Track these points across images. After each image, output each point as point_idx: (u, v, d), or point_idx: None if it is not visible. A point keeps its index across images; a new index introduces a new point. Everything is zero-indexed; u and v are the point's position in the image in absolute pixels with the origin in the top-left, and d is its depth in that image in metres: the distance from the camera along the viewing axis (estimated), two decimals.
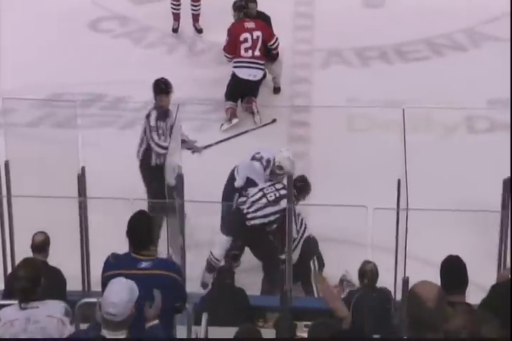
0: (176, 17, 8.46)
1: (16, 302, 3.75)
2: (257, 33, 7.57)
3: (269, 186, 6.15)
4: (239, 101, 7.65)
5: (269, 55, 7.70)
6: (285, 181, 6.04)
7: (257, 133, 7.47)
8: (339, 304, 3.65)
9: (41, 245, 5.10)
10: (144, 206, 4.72)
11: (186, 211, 5.53)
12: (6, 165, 5.41)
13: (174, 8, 8.43)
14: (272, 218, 6.01)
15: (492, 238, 5.43)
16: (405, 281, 4.53)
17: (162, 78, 6.56)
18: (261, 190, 6.13)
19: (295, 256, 5.76)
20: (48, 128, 7.43)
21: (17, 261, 4.49)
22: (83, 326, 3.95)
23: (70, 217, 5.43)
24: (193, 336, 4.52)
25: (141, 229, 4.01)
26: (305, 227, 6.08)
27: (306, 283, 5.98)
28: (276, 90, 7.91)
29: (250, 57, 7.52)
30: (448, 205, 5.92)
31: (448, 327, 3.23)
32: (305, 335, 4.65)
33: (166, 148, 6.29)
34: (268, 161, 6.25)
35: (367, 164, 6.80)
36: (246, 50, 7.53)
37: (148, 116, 6.47)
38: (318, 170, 6.72)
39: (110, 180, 6.52)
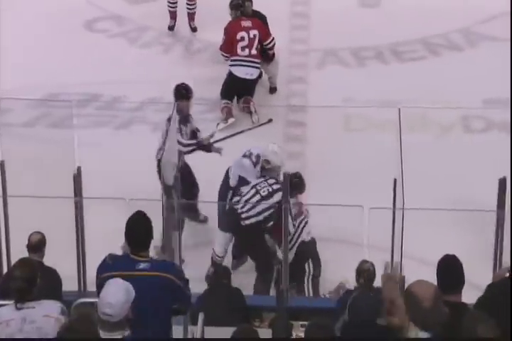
0: (173, 15, 8.46)
1: (12, 302, 3.74)
2: (254, 32, 7.57)
3: (262, 182, 6.15)
4: (234, 101, 7.66)
5: (265, 55, 7.70)
6: (281, 177, 6.05)
7: (253, 133, 7.46)
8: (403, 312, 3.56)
9: (37, 245, 5.09)
10: (140, 206, 4.70)
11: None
12: (2, 165, 5.40)
13: (170, 6, 8.43)
14: (266, 214, 6.00)
15: (488, 237, 5.44)
16: (401, 280, 4.53)
17: (183, 83, 6.62)
18: (253, 186, 6.13)
19: (290, 255, 5.76)
20: (43, 128, 7.42)
21: (13, 261, 4.48)
22: None
23: (66, 217, 5.43)
24: (190, 336, 4.52)
25: (139, 230, 4.00)
26: (303, 227, 6.06)
27: (299, 284, 5.98)
28: (273, 90, 7.91)
29: (247, 56, 7.52)
30: (444, 205, 5.93)
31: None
32: (302, 335, 4.65)
33: (190, 145, 6.38)
34: (257, 157, 6.25)
35: (363, 164, 6.80)
36: (243, 48, 7.53)
37: (169, 119, 6.49)
38: (314, 169, 6.72)
39: (106, 179, 6.52)
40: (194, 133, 6.53)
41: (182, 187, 6.09)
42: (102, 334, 3.32)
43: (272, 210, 5.97)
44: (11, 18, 8.30)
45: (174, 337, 4.23)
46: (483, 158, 6.79)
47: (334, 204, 5.54)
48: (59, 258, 5.16)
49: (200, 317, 4.61)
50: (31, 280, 3.72)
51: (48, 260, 5.09)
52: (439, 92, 7.54)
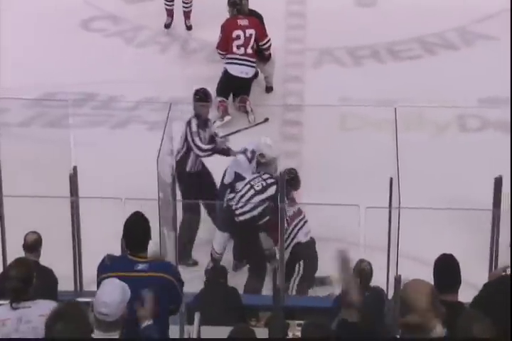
0: (169, 13, 8.47)
1: (8, 302, 3.74)
2: (250, 31, 7.57)
3: (256, 177, 6.15)
4: (230, 99, 7.65)
5: (261, 55, 7.70)
6: (278, 170, 6.07)
7: (249, 132, 7.46)
8: (355, 288, 3.59)
9: (33, 245, 5.09)
10: (137, 205, 4.71)
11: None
12: None
13: (167, 5, 8.44)
14: (260, 209, 6.00)
15: (484, 236, 5.44)
16: (397, 279, 4.54)
17: (202, 88, 6.65)
18: (248, 182, 6.14)
19: (286, 255, 5.75)
20: (39, 128, 7.41)
21: (9, 261, 4.47)
22: None
23: (62, 217, 5.42)
24: (186, 335, 4.52)
25: (137, 231, 4.01)
26: (299, 228, 6.04)
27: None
28: (269, 89, 7.91)
29: (242, 55, 7.52)
30: (440, 204, 5.93)
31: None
32: (298, 334, 4.65)
33: (207, 151, 6.38)
34: (252, 152, 6.27)
35: (359, 163, 6.80)
36: (238, 47, 7.53)
37: (188, 123, 6.50)
38: (310, 168, 6.72)
39: (102, 179, 6.51)
40: (212, 138, 6.51)
41: (202, 189, 6.17)
42: (98, 334, 3.32)
43: (266, 204, 5.97)
44: (8, 18, 8.28)
45: (170, 336, 4.23)
46: (479, 157, 6.80)
47: (330, 203, 5.54)
48: (55, 257, 5.16)
49: (197, 316, 4.62)
50: (27, 280, 3.72)
51: (44, 260, 5.08)
52: (435, 91, 7.55)
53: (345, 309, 3.59)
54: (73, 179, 5.30)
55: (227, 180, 6.25)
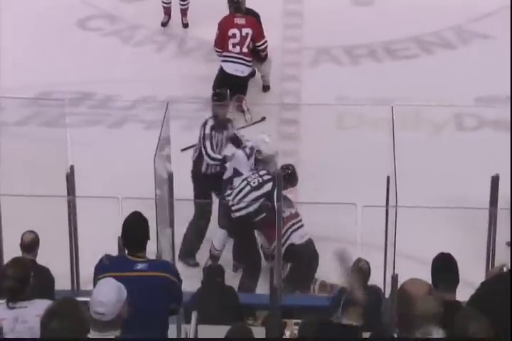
0: (167, 11, 8.47)
1: (4, 301, 3.73)
2: (247, 30, 7.56)
3: (253, 174, 6.15)
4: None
5: (257, 54, 7.69)
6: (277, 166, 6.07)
7: (246, 131, 7.45)
8: (360, 287, 3.59)
9: (30, 245, 5.08)
10: (133, 204, 4.71)
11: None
12: None
13: (165, 3, 8.44)
14: (256, 205, 6.00)
15: (481, 235, 5.45)
16: (394, 278, 4.54)
17: (220, 89, 6.66)
18: (245, 179, 6.14)
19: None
20: (36, 127, 7.40)
21: (5, 260, 4.47)
22: None
23: (59, 216, 5.42)
24: (183, 334, 4.52)
25: (136, 231, 4.00)
26: (293, 231, 6.01)
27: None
28: (266, 88, 7.90)
29: (238, 53, 7.51)
30: (437, 202, 5.94)
31: None
32: (295, 333, 4.66)
33: (215, 160, 6.35)
34: (251, 149, 6.27)
35: (356, 162, 6.80)
36: (234, 45, 7.52)
37: (204, 124, 6.50)
38: (307, 167, 6.71)
39: (99, 178, 6.51)
40: (232, 139, 6.46)
41: (217, 191, 6.16)
42: (94, 334, 3.31)
43: (261, 200, 5.97)
44: (6, 18, 8.27)
45: (167, 335, 4.23)
46: (476, 156, 6.80)
47: (327, 202, 5.54)
48: (52, 256, 5.16)
49: (194, 315, 4.61)
50: (24, 279, 3.71)
51: (41, 259, 5.08)
52: (432, 90, 7.55)
53: (351, 309, 3.56)
54: (70, 178, 5.30)
55: (227, 175, 6.27)
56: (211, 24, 7.72)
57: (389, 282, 4.95)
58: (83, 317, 3.12)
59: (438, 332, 3.16)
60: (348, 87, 7.72)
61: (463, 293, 3.90)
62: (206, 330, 4.66)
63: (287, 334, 5.08)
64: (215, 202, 6.28)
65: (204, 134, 6.42)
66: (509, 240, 5.63)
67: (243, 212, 6.04)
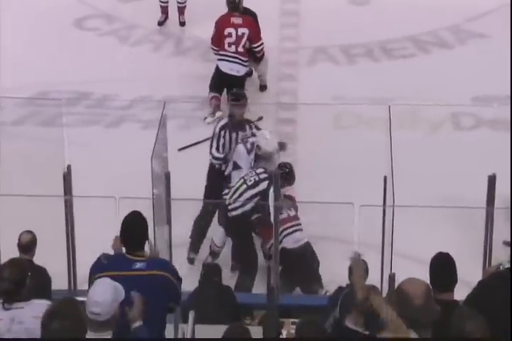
0: (164, 10, 8.47)
1: (0, 301, 3.72)
2: (243, 30, 7.56)
3: (250, 172, 6.15)
4: (223, 95, 7.64)
5: (254, 55, 7.69)
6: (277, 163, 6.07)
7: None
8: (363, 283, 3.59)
9: (28, 245, 5.08)
10: (130, 204, 4.70)
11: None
12: None
13: (162, 1, 8.43)
14: (252, 203, 5.99)
15: (478, 234, 5.45)
16: (392, 278, 4.55)
17: (237, 89, 6.68)
18: (242, 177, 6.14)
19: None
20: (33, 127, 7.40)
21: (3, 259, 4.46)
22: None
23: (56, 216, 5.42)
24: (180, 334, 4.52)
25: (136, 230, 4.01)
26: (286, 235, 5.97)
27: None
28: (263, 88, 7.90)
29: (234, 52, 7.51)
30: (434, 202, 5.94)
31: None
32: (292, 332, 4.66)
33: (217, 159, 6.35)
34: (252, 144, 6.27)
35: (353, 161, 6.81)
36: (230, 44, 7.52)
37: (217, 122, 6.49)
38: (304, 167, 6.71)
39: (96, 178, 6.51)
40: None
41: (209, 190, 6.16)
42: (89, 334, 3.31)
43: (257, 198, 5.96)
44: (4, 18, 8.27)
45: (165, 335, 4.23)
46: (473, 155, 6.81)
47: (325, 201, 5.54)
48: (49, 256, 5.15)
49: (191, 315, 4.61)
50: (20, 282, 3.70)
51: (38, 258, 5.08)
52: (428, 90, 7.56)
53: (354, 312, 3.55)
54: (67, 178, 5.30)
55: (228, 169, 6.29)
56: (208, 23, 7.72)
57: (386, 281, 4.95)
58: (83, 317, 3.12)
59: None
60: (345, 87, 7.73)
61: (460, 292, 3.90)
62: (203, 330, 4.66)
63: (284, 333, 5.08)
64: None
65: (213, 133, 6.44)
66: (506, 239, 5.64)
67: (239, 211, 6.04)
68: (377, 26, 8.31)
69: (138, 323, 3.56)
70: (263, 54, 7.74)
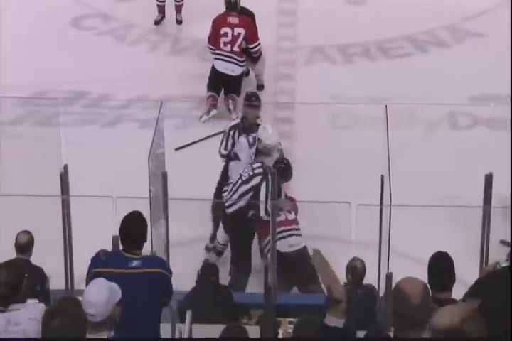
0: (161, 9, 8.47)
1: None
2: (239, 30, 7.55)
3: (247, 167, 6.14)
4: (221, 95, 7.64)
5: (250, 55, 7.69)
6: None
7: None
8: (338, 284, 3.60)
9: (25, 245, 5.08)
10: (127, 204, 4.70)
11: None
12: None
13: (159, 1, 8.43)
14: (246, 197, 5.97)
15: (475, 233, 5.45)
16: (389, 277, 4.55)
17: (252, 91, 6.68)
18: (239, 173, 6.13)
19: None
20: (30, 127, 7.39)
21: (0, 259, 4.45)
22: None
23: (53, 215, 5.41)
24: (177, 333, 4.52)
25: (135, 229, 4.03)
26: (281, 237, 5.93)
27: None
28: (260, 87, 7.90)
29: (229, 52, 7.51)
30: (431, 201, 5.95)
31: None
32: (290, 331, 4.66)
33: (222, 156, 6.39)
34: (255, 138, 6.27)
35: (350, 160, 6.81)
36: (225, 44, 7.52)
37: (231, 121, 6.51)
38: (302, 166, 6.72)
39: (93, 177, 6.50)
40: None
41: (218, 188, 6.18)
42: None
43: (251, 194, 5.96)
44: (4, 18, 8.26)
45: (162, 335, 4.23)
46: (470, 155, 6.82)
47: (322, 201, 5.54)
48: (46, 256, 5.15)
49: (188, 314, 4.61)
50: (16, 285, 3.68)
51: (35, 258, 5.07)
52: (425, 89, 7.56)
53: (333, 307, 3.58)
54: (64, 177, 5.29)
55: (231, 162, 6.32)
56: (206, 22, 7.72)
57: (383, 281, 4.95)
58: (84, 316, 3.12)
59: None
60: (342, 86, 7.73)
61: (457, 291, 3.91)
62: (201, 329, 4.66)
63: (281, 332, 5.08)
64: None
65: (224, 132, 6.46)
66: (503, 238, 5.65)
67: (234, 208, 6.04)
68: (374, 26, 8.31)
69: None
70: (260, 54, 7.73)
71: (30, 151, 6.72)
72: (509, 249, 5.06)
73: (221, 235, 6.25)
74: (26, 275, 3.78)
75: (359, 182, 6.25)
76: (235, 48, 7.51)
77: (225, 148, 6.43)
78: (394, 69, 7.99)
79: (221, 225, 6.25)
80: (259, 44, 7.62)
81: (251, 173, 6.06)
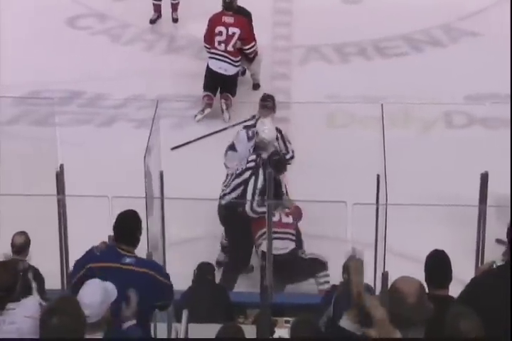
0: (157, 8, 8.46)
1: None
2: (234, 30, 7.54)
3: (243, 160, 6.12)
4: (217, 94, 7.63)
5: (245, 55, 7.68)
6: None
7: (237, 129, 7.45)
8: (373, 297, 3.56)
9: (21, 246, 5.07)
10: (123, 204, 4.70)
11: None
12: None
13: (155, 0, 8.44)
14: (238, 191, 5.96)
15: (471, 232, 5.46)
16: (385, 276, 4.55)
17: (267, 94, 6.64)
18: (236, 167, 6.14)
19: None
20: (26, 126, 7.38)
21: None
22: None
23: (49, 215, 5.40)
24: (173, 333, 4.52)
25: (128, 226, 4.04)
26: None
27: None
28: (256, 86, 7.90)
29: (223, 51, 7.51)
30: (427, 200, 5.96)
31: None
32: (286, 331, 4.66)
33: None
34: (253, 132, 6.27)
35: (346, 160, 6.82)
36: (219, 43, 7.52)
37: (245, 121, 6.54)
38: (297, 165, 6.71)
39: (89, 177, 6.49)
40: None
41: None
42: None
43: (242, 187, 5.94)
44: (3, 18, 8.25)
45: (158, 334, 4.23)
46: (466, 154, 6.82)
47: (318, 200, 5.54)
48: (42, 256, 5.14)
49: (184, 314, 4.61)
50: (10, 288, 3.67)
51: (32, 258, 5.07)
52: (421, 88, 7.57)
53: (352, 311, 3.52)
54: (60, 177, 5.28)
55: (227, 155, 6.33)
56: (202, 21, 7.71)
57: (379, 280, 4.96)
58: (82, 315, 3.11)
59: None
60: (338, 85, 7.73)
61: (453, 290, 3.91)
62: (197, 329, 4.65)
63: (277, 332, 5.08)
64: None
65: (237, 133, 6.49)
66: (498, 237, 5.65)
67: (226, 199, 6.02)
68: (370, 25, 8.32)
69: (130, 322, 3.55)
70: (256, 54, 7.73)
71: (26, 151, 6.71)
72: (504, 247, 5.06)
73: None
74: (21, 274, 3.78)
75: (355, 181, 6.25)
76: (229, 48, 7.51)
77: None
78: (390, 68, 8.00)
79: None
80: (254, 45, 7.61)
81: (243, 167, 6.07)
